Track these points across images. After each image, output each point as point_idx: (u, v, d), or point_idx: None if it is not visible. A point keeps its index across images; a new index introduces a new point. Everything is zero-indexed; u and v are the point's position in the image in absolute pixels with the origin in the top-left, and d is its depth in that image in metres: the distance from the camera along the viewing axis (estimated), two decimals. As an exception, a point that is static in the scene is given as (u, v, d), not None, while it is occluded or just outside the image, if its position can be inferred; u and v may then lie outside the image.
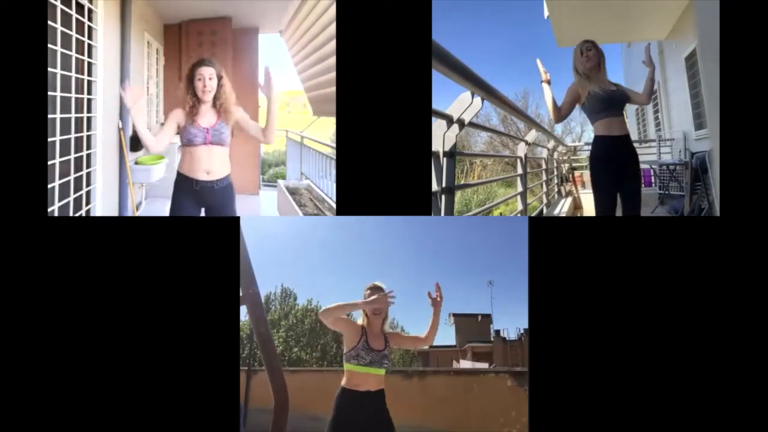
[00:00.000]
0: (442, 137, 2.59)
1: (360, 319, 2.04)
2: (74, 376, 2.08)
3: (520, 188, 4.82)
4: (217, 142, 2.49)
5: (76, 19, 3.05)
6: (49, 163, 2.64)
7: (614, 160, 2.62)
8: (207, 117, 2.49)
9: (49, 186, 2.66)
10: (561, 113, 2.69)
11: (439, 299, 2.01)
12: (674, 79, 6.61)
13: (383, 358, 1.96)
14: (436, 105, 2.36)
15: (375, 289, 2.01)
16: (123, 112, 3.81)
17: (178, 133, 2.52)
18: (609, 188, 2.63)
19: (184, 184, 2.52)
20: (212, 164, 2.50)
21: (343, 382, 1.95)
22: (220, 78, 2.49)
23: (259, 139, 2.57)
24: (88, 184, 3.30)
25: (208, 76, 2.47)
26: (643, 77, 2.72)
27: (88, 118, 3.32)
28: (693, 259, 2.11)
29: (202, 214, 2.56)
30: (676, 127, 6.82)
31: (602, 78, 2.63)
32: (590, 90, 2.61)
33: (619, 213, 2.68)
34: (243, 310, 2.24)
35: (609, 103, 2.60)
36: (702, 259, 2.11)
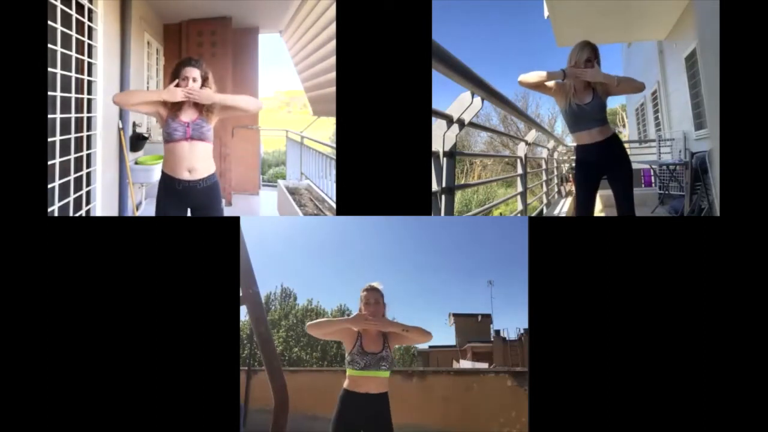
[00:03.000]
0: (442, 137, 2.59)
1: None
2: (74, 376, 2.08)
3: (520, 188, 4.82)
4: (198, 138, 2.44)
5: (76, 19, 3.05)
6: (49, 163, 2.64)
7: (594, 165, 2.64)
8: (188, 112, 2.45)
9: (49, 186, 2.66)
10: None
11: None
12: (674, 79, 6.61)
13: (380, 360, 1.95)
14: (436, 105, 2.36)
15: (371, 290, 2.01)
16: (123, 111, 3.82)
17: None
18: (586, 190, 2.69)
19: (167, 185, 2.48)
20: (194, 161, 2.45)
21: (344, 384, 1.95)
22: (205, 80, 2.45)
23: (247, 109, 2.55)
24: (88, 184, 3.30)
25: (192, 77, 2.42)
26: (641, 77, 2.73)
27: (88, 118, 3.32)
28: (693, 259, 2.11)
29: (189, 214, 2.53)
30: (676, 127, 6.82)
31: (587, 92, 2.59)
32: (569, 103, 2.59)
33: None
34: (243, 310, 2.24)
35: (582, 118, 2.60)
36: (702, 259, 2.11)
